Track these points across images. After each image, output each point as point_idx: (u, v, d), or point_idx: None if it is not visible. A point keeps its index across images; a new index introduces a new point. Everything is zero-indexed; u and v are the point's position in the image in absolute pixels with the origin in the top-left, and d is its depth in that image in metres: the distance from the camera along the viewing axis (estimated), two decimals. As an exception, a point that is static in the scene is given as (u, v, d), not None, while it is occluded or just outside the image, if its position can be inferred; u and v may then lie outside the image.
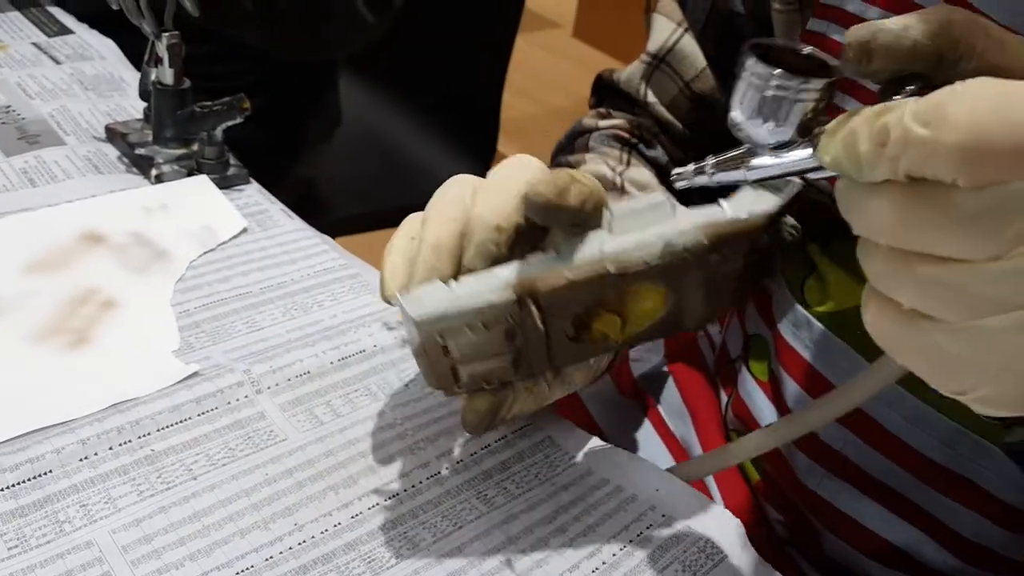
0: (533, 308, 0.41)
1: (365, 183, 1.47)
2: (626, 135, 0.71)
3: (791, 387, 0.63)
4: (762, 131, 0.33)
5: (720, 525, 0.47)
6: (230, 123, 0.68)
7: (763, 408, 0.68)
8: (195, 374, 0.52)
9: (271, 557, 0.43)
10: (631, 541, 0.46)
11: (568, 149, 0.72)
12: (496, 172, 0.46)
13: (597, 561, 0.45)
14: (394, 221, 0.47)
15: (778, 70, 0.32)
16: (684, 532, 0.47)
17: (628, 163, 0.68)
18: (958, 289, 0.29)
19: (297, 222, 0.67)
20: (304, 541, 0.44)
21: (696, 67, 0.69)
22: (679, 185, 0.38)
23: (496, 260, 0.43)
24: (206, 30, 1.15)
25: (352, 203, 1.43)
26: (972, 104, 0.27)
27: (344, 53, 1.34)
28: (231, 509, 0.45)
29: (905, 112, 0.28)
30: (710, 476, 0.71)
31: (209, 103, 0.68)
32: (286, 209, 0.68)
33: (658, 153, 0.71)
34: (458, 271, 0.43)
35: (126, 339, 0.54)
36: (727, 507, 0.69)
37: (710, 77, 0.69)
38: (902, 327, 0.31)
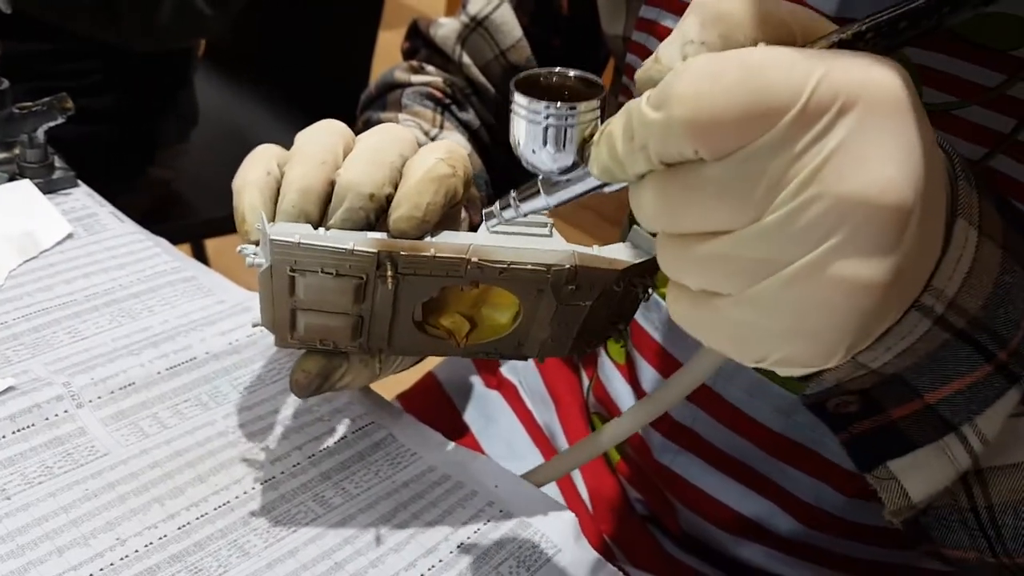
0: (390, 271, 0.41)
1: (229, 183, 1.43)
2: (439, 94, 0.70)
3: (646, 369, 0.64)
4: (545, 160, 0.33)
5: (556, 520, 0.47)
6: (52, 124, 0.64)
7: (621, 391, 0.68)
8: (10, 388, 0.49)
9: (90, 575, 0.41)
10: (469, 537, 0.46)
11: (379, 102, 0.71)
12: (367, 139, 0.45)
13: (434, 559, 0.44)
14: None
15: (544, 101, 0.32)
16: (521, 527, 0.47)
17: (442, 126, 0.67)
18: (730, 260, 0.29)
19: (129, 225, 0.64)
20: (127, 556, 0.42)
21: (512, 37, 0.69)
22: (492, 225, 0.38)
23: (361, 229, 0.42)
24: (47, 28, 1.11)
25: (217, 204, 1.39)
26: (692, 79, 0.28)
27: (181, 44, 1.30)
28: (47, 527, 0.43)
29: (642, 101, 0.29)
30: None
31: (29, 103, 0.65)
32: (117, 212, 0.65)
33: (470, 116, 0.71)
34: (323, 218, 0.42)
35: (-64, 357, 0.51)
36: (589, 490, 0.70)
37: (525, 48, 0.69)
38: (695, 308, 0.32)
